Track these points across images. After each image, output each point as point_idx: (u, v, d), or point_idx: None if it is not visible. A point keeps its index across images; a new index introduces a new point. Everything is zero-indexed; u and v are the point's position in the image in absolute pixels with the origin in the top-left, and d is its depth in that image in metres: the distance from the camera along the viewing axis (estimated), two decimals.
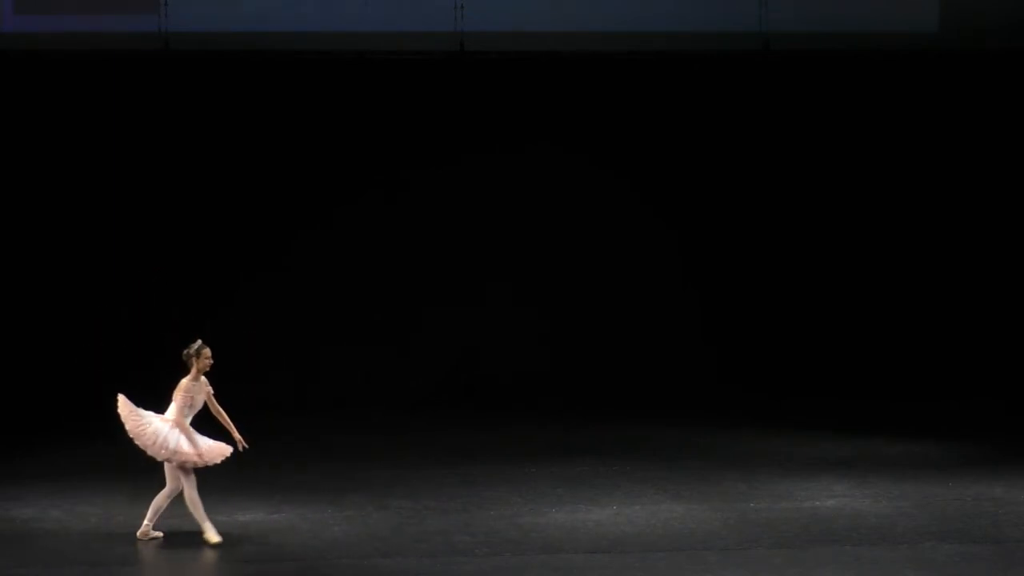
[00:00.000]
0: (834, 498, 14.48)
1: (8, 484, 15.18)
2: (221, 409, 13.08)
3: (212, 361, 13.01)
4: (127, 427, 12.87)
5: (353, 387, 20.50)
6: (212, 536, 12.84)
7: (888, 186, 21.19)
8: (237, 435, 13.05)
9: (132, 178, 20.47)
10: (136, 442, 12.88)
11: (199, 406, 12.99)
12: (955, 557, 12.31)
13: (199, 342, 13.05)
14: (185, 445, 12.79)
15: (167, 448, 12.77)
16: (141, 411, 12.89)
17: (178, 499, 12.97)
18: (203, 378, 13.00)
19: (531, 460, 16.46)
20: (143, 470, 15.92)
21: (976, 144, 21.15)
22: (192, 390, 12.89)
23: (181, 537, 13.12)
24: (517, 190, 20.85)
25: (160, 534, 13.07)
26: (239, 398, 20.22)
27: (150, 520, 13.00)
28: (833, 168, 21.12)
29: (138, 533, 13.03)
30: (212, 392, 13.04)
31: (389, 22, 20.13)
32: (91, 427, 18.56)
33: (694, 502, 14.38)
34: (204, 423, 13.14)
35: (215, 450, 12.92)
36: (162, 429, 12.80)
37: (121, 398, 12.93)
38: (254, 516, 13.82)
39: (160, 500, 13.00)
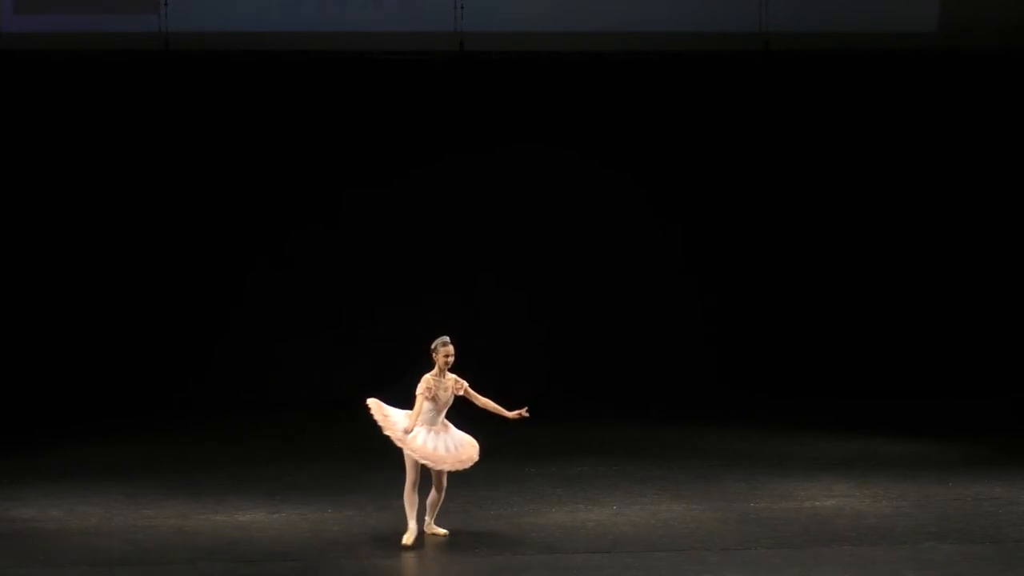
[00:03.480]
0: (834, 498, 14.48)
1: (8, 484, 15.18)
2: (483, 398, 12.89)
3: (453, 358, 12.76)
4: (379, 423, 12.77)
5: (353, 387, 20.46)
6: (407, 537, 12.75)
7: (888, 186, 21.19)
8: (509, 413, 12.90)
9: (132, 178, 20.48)
10: (386, 433, 12.75)
11: (445, 401, 12.77)
12: (955, 557, 12.31)
13: (442, 338, 12.86)
14: (418, 440, 12.66)
15: (402, 439, 12.65)
16: (389, 410, 12.80)
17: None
18: (451, 374, 12.81)
19: (531, 460, 16.46)
20: (143, 470, 15.99)
21: (976, 144, 21.15)
22: (433, 385, 12.72)
23: (182, 535, 13.12)
24: (517, 190, 20.86)
25: (444, 531, 13.04)
26: (239, 398, 20.30)
27: (424, 519, 12.94)
28: (833, 168, 21.13)
29: (407, 540, 12.81)
30: (467, 386, 12.82)
31: (389, 22, 20.15)
32: (91, 427, 18.68)
33: (694, 502, 14.38)
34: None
35: (441, 457, 12.70)
36: (401, 421, 12.69)
37: (373, 402, 12.86)
38: (254, 516, 13.81)
39: (408, 496, 12.88)
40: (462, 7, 19.94)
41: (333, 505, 14.25)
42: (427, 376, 12.80)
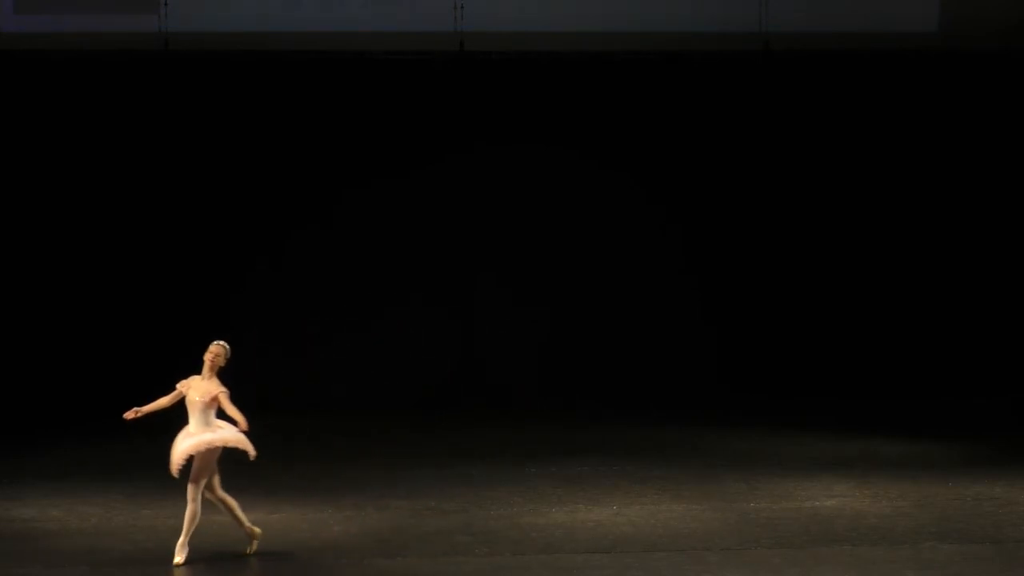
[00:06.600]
0: (834, 498, 14.49)
1: (8, 484, 15.18)
2: (232, 408, 12.53)
3: (220, 358, 12.65)
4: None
5: (353, 387, 20.50)
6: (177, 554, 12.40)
7: (888, 186, 21.19)
8: (242, 429, 12.47)
9: (132, 178, 20.48)
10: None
11: (192, 400, 12.53)
12: (955, 557, 12.32)
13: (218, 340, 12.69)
14: (180, 445, 12.47)
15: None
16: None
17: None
18: (210, 375, 12.64)
19: (531, 460, 16.46)
20: (142, 470, 15.98)
21: (976, 144, 21.15)
22: (186, 381, 12.63)
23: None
24: (517, 190, 20.86)
25: (258, 530, 12.67)
26: (239, 398, 20.27)
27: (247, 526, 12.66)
28: (833, 168, 21.13)
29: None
30: (224, 396, 12.48)
31: (389, 22, 20.15)
32: (91, 427, 18.66)
33: (694, 502, 14.38)
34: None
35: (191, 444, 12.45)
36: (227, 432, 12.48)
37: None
38: (254, 516, 13.76)
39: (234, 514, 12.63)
40: (462, 7, 19.94)
41: (333, 505, 14.25)
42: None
